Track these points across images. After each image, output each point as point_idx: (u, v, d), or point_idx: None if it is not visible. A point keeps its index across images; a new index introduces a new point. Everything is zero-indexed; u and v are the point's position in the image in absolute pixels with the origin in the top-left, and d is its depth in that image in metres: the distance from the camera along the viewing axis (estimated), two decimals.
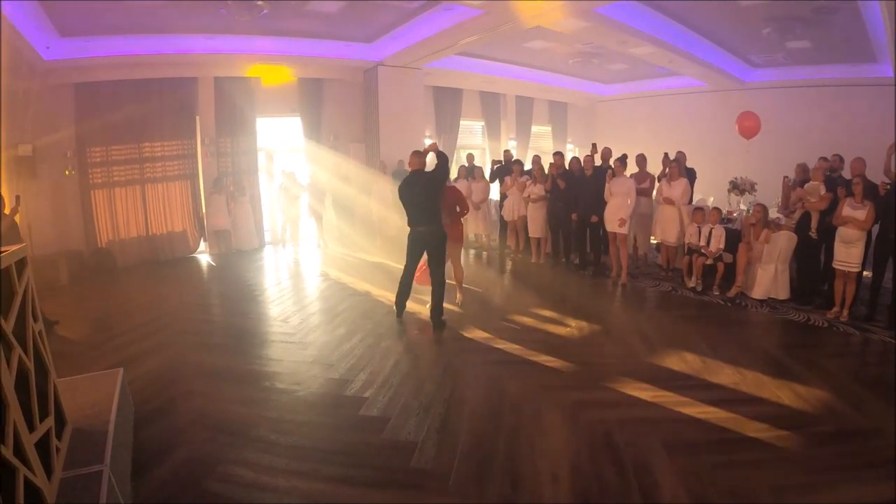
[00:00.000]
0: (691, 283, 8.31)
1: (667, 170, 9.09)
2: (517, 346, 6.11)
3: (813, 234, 7.37)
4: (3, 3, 7.17)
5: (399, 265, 9.48)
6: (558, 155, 10.21)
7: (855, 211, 6.60)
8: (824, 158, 8.13)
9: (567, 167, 9.98)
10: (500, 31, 10.49)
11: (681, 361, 5.56)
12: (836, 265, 6.85)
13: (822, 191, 7.31)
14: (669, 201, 8.63)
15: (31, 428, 2.56)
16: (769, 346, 6.08)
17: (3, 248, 2.92)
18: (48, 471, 2.61)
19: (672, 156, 9.53)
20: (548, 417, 4.44)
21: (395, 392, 4.98)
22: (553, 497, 3.40)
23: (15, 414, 2.35)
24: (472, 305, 7.80)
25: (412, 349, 6.21)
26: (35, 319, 3.14)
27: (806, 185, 7.59)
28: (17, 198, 7.72)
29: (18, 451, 2.31)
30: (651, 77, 16.99)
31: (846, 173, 7.72)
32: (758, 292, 7.73)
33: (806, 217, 7.51)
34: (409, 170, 7.03)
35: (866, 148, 7.81)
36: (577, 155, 14.67)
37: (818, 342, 6.22)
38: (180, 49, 10.80)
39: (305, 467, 3.76)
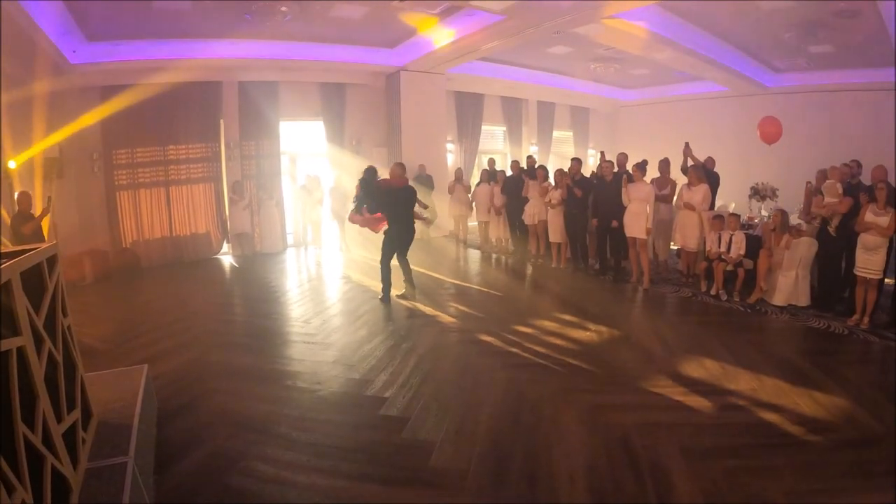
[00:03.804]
0: (713, 291, 8.23)
1: (689, 161, 9.08)
2: (536, 350, 6.10)
3: (832, 230, 7.26)
4: (31, 7, 7.34)
5: (420, 269, 9.63)
6: (575, 161, 10.20)
7: (877, 217, 6.51)
8: (847, 164, 8.03)
9: (584, 174, 10.00)
10: (522, 37, 10.53)
11: (700, 367, 5.51)
12: (857, 272, 6.74)
13: (840, 190, 7.23)
14: (690, 206, 8.57)
15: (59, 419, 2.63)
16: (789, 353, 5.99)
17: (34, 246, 3.00)
18: (74, 461, 2.67)
19: (696, 159, 9.44)
20: (566, 420, 4.44)
21: (415, 393, 5.01)
22: (569, 498, 3.40)
23: (44, 405, 2.42)
24: (492, 309, 7.81)
25: (432, 351, 6.20)
26: (64, 315, 3.22)
27: (824, 185, 7.52)
28: (49, 199, 7.86)
29: (47, 440, 2.37)
30: (673, 82, 16.93)
31: (865, 179, 7.61)
32: (778, 299, 7.66)
33: (827, 223, 7.42)
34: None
35: (889, 153, 7.72)
36: (597, 160, 14.65)
37: (838, 349, 6.12)
38: (205, 54, 10.94)
39: (325, 464, 3.80)
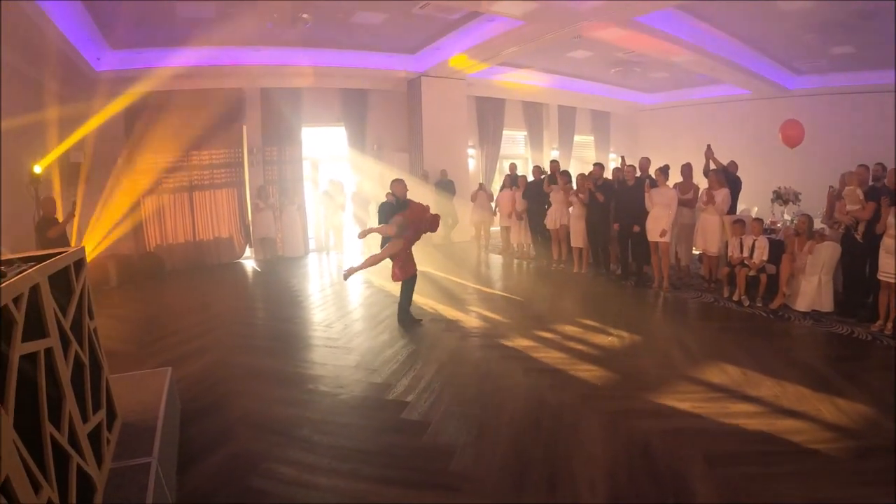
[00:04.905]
0: (735, 296, 8.10)
1: (710, 164, 9.00)
2: (558, 355, 6.08)
3: (858, 236, 7.12)
4: (56, 16, 7.47)
5: (442, 274, 9.60)
6: (598, 166, 10.15)
7: None
8: (863, 166, 7.86)
9: (606, 178, 9.94)
10: (542, 41, 10.51)
11: (721, 373, 5.44)
12: (880, 277, 6.58)
13: (860, 195, 7.10)
14: (711, 199, 8.50)
15: (85, 419, 2.66)
16: (811, 359, 5.90)
17: (62, 250, 3.05)
18: (99, 460, 2.71)
19: (718, 162, 9.32)
20: (586, 425, 4.40)
21: (437, 397, 5.01)
22: (589, 503, 3.39)
23: (70, 405, 2.45)
24: (513, 314, 7.79)
25: (454, 356, 6.20)
26: (90, 317, 3.26)
27: (844, 192, 7.39)
28: (74, 204, 7.97)
29: (73, 440, 2.40)
30: (693, 85, 16.81)
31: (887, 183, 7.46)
32: (801, 304, 7.52)
33: (851, 229, 7.28)
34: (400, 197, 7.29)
35: None
36: (618, 165, 14.60)
37: (861, 356, 6.01)
38: (227, 60, 11.08)
39: (347, 467, 3.81)
